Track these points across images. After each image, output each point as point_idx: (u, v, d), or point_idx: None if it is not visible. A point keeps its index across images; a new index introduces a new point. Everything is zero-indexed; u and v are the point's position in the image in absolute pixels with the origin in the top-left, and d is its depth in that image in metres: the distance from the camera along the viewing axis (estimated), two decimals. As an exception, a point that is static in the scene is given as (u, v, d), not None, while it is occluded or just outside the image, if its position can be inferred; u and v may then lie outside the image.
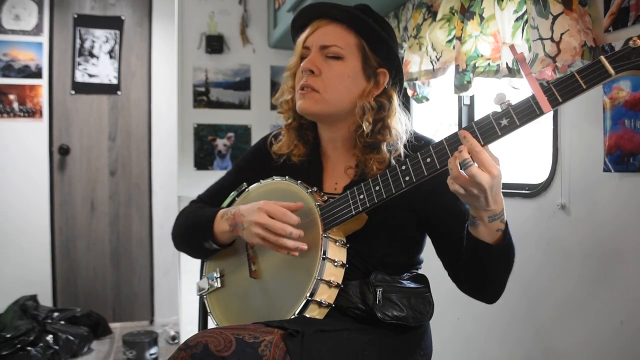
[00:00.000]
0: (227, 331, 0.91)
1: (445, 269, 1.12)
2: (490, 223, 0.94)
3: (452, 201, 1.06)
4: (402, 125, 1.14)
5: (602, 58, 0.85)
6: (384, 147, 1.11)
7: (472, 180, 0.86)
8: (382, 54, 1.13)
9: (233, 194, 1.23)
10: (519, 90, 1.42)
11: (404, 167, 0.99)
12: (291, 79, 1.19)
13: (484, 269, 1.00)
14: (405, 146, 1.12)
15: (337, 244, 1.05)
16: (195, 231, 1.19)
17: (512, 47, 0.96)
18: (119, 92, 3.67)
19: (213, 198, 1.29)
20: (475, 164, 0.87)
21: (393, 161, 1.10)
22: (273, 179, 1.17)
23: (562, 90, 0.86)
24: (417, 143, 1.13)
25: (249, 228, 1.05)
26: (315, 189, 1.12)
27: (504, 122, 0.89)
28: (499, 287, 1.03)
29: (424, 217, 1.11)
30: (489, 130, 0.90)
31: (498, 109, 0.91)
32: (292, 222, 1.02)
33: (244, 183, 1.22)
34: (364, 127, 1.10)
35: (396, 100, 1.15)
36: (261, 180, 1.19)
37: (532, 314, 1.48)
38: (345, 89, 1.11)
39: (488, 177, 0.86)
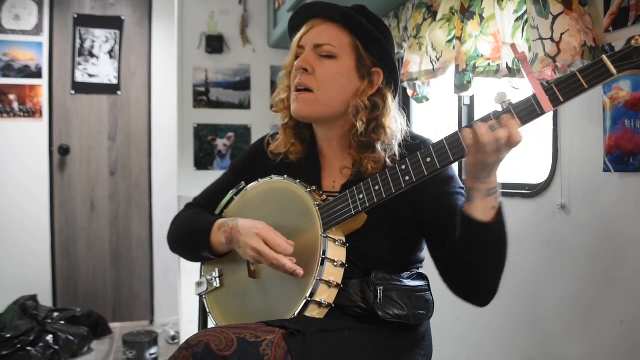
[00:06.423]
0: (229, 330, 0.91)
1: (438, 269, 1.08)
2: (486, 197, 0.94)
3: (444, 196, 1.06)
4: (397, 124, 1.13)
5: (604, 57, 0.84)
6: (379, 147, 1.10)
7: (508, 139, 0.88)
8: (376, 54, 1.12)
9: (232, 192, 1.22)
10: (519, 90, 1.42)
11: (403, 167, 0.98)
12: (286, 78, 1.19)
13: (477, 255, 0.97)
14: (400, 145, 1.12)
15: (337, 243, 1.04)
16: (191, 240, 1.20)
17: (513, 46, 0.96)
18: (119, 92, 3.67)
19: (210, 200, 1.28)
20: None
21: (388, 160, 1.09)
22: (271, 178, 1.17)
23: (563, 90, 0.86)
24: (413, 142, 1.13)
25: (244, 249, 1.06)
26: (314, 187, 1.12)
27: (505, 121, 0.89)
28: (492, 281, 0.99)
29: (420, 214, 1.10)
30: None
31: (499, 108, 0.91)
32: (287, 253, 1.03)
33: (242, 182, 1.22)
34: (358, 126, 1.09)
35: (391, 100, 1.14)
36: (259, 180, 1.19)
37: (532, 313, 1.48)
38: (339, 88, 1.11)
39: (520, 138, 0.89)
